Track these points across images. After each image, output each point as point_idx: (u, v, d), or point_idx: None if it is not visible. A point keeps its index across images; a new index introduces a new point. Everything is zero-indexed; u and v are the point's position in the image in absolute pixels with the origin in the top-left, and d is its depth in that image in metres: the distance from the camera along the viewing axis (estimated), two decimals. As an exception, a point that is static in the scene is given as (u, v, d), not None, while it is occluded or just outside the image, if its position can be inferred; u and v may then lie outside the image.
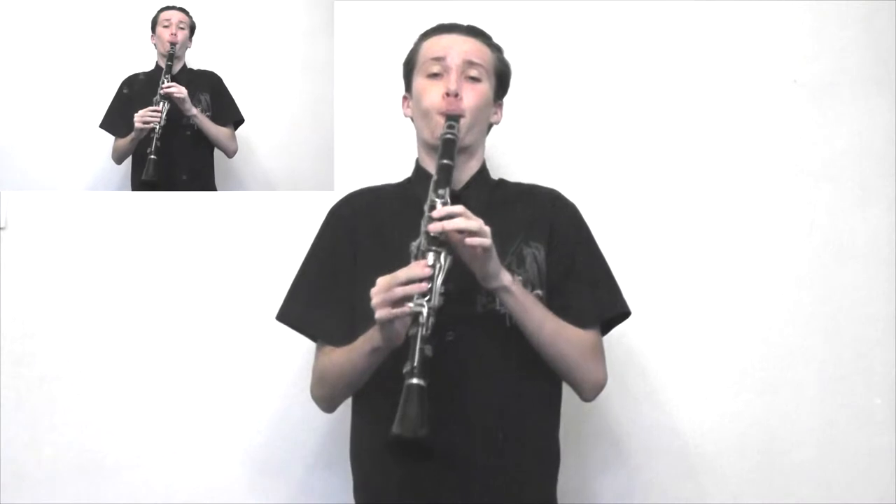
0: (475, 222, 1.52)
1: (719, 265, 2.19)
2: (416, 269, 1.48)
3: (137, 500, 2.12)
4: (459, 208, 1.52)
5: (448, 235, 1.51)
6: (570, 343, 1.67)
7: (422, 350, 1.43)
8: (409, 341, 1.45)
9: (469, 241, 1.51)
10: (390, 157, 1.99)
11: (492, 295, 1.64)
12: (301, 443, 2.14)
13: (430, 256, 1.49)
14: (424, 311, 1.44)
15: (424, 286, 1.46)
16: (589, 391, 1.72)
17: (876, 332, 2.17)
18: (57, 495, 2.11)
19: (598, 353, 1.72)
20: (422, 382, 1.41)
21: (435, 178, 1.59)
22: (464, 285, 1.58)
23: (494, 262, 1.56)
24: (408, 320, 1.47)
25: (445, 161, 1.61)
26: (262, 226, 2.18)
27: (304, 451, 2.14)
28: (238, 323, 2.15)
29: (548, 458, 1.74)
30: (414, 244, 1.54)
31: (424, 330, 1.44)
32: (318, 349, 1.75)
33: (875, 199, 2.20)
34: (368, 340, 1.57)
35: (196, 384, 2.15)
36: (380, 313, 1.47)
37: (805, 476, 2.15)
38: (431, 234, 1.50)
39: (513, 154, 2.11)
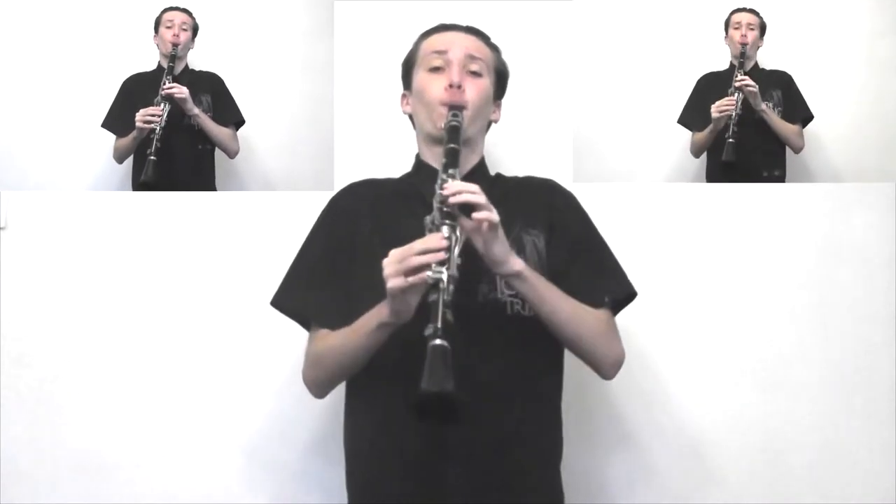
0: (482, 197, 1.51)
1: (719, 265, 2.19)
2: (432, 240, 1.47)
3: (137, 499, 2.12)
4: (473, 186, 1.52)
5: (459, 220, 1.50)
6: (587, 323, 1.67)
7: (444, 313, 1.41)
8: (429, 307, 1.43)
9: (476, 215, 1.50)
10: (390, 158, 1.99)
11: (493, 283, 1.65)
12: (299, 441, 2.13)
13: (446, 229, 1.49)
14: (444, 276, 1.43)
15: (442, 255, 1.45)
16: (609, 368, 1.72)
17: (876, 332, 2.17)
18: (57, 495, 2.11)
19: (614, 329, 1.72)
20: (445, 343, 1.39)
21: (444, 160, 1.60)
22: (464, 275, 1.56)
23: (502, 243, 1.55)
24: (418, 294, 1.46)
25: (452, 145, 1.62)
26: (262, 226, 2.18)
27: (300, 449, 2.14)
28: (238, 323, 2.15)
29: (551, 450, 1.73)
30: (428, 218, 1.53)
31: (446, 294, 1.43)
32: (312, 334, 1.74)
33: (875, 199, 2.20)
34: (375, 316, 1.55)
35: (196, 384, 2.15)
36: (393, 282, 1.46)
37: (805, 476, 2.15)
38: (445, 208, 1.50)
39: (512, 155, 2.11)
